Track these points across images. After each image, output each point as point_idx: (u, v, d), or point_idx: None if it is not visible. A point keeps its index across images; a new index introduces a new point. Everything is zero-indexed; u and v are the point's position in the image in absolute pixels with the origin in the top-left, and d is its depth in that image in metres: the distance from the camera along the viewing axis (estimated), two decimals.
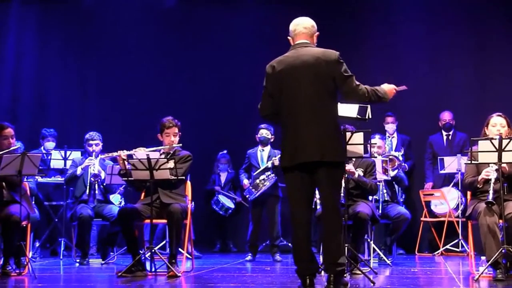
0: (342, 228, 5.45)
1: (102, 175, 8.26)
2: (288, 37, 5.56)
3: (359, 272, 6.42)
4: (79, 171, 8.31)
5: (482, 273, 6.25)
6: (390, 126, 10.19)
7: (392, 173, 8.52)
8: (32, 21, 11.31)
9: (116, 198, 9.02)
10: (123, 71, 11.11)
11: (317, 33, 5.54)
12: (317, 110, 5.27)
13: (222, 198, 10.32)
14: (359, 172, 7.28)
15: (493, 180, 6.31)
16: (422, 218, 9.82)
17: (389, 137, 10.11)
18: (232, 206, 10.33)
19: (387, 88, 5.52)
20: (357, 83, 5.33)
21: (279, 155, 8.75)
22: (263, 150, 9.05)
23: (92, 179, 8.23)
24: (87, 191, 8.30)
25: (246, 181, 9.08)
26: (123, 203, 8.75)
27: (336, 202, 5.35)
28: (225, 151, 10.50)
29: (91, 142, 8.43)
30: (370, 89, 5.37)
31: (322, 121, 5.28)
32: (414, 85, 10.50)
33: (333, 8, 10.61)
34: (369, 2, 10.97)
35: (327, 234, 5.32)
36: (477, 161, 6.38)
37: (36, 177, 8.31)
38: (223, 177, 10.52)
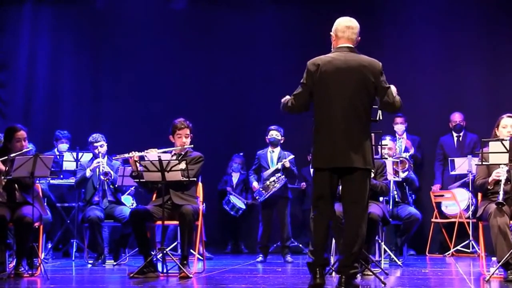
0: (365, 234, 5.46)
1: (112, 174, 8.28)
2: (331, 34, 5.53)
3: (370, 273, 6.41)
4: (88, 173, 8.32)
5: (493, 274, 6.23)
6: (399, 127, 10.16)
7: (402, 175, 8.51)
8: (45, 22, 11.34)
9: (128, 200, 9.04)
10: (136, 73, 11.13)
11: (359, 38, 5.54)
12: (357, 117, 5.34)
13: (233, 199, 10.32)
14: None
15: (503, 181, 6.29)
16: (433, 219, 9.80)
17: (398, 138, 10.09)
18: (243, 207, 10.33)
19: (394, 91, 5.53)
20: (393, 94, 5.42)
21: (290, 157, 8.83)
22: (273, 151, 9.04)
23: (102, 177, 8.25)
24: (97, 192, 8.33)
25: (255, 184, 9.06)
26: (135, 204, 8.75)
27: (367, 208, 5.41)
28: (241, 153, 10.51)
29: (95, 144, 8.43)
30: (399, 98, 5.47)
31: (360, 128, 5.36)
32: (425, 86, 10.53)
33: (346, 9, 10.57)
34: (381, 2, 10.94)
35: (353, 238, 5.34)
36: (488, 162, 6.36)
37: (48, 178, 8.33)
38: (235, 178, 10.52)
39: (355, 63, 5.38)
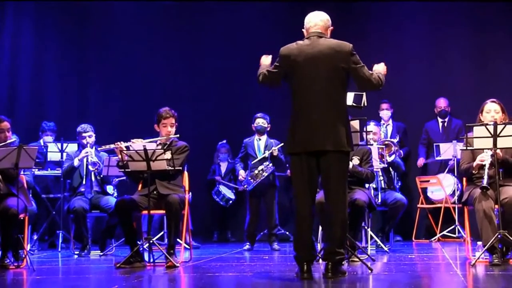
0: (347, 218, 5.50)
1: (100, 164, 8.25)
2: (303, 29, 5.66)
3: (357, 260, 6.42)
4: (76, 162, 8.30)
5: (478, 258, 6.26)
6: (385, 113, 10.19)
7: (389, 159, 8.55)
8: (29, 13, 11.24)
9: (109, 189, 8.99)
10: (121, 64, 11.07)
11: (332, 27, 5.65)
12: (331, 100, 5.43)
13: (223, 189, 10.30)
14: (354, 161, 7.25)
15: (487, 166, 6.32)
16: (419, 205, 9.85)
17: (384, 124, 10.11)
18: (233, 197, 10.30)
19: (381, 68, 5.70)
20: (370, 71, 5.50)
21: (279, 145, 8.83)
22: (259, 139, 9.04)
23: (90, 167, 8.23)
24: (84, 182, 8.31)
25: (242, 172, 9.06)
26: (115, 194, 8.73)
27: (344, 191, 5.45)
28: (224, 141, 10.49)
29: (84, 134, 8.41)
30: (379, 75, 5.55)
31: (334, 111, 5.43)
32: (411, 72, 10.57)
33: (336, 3, 10.62)
34: None
35: (333, 224, 5.42)
36: (473, 147, 6.38)
37: (33, 170, 8.29)
38: (224, 167, 10.50)
39: (324, 47, 5.47)
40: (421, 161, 10.18)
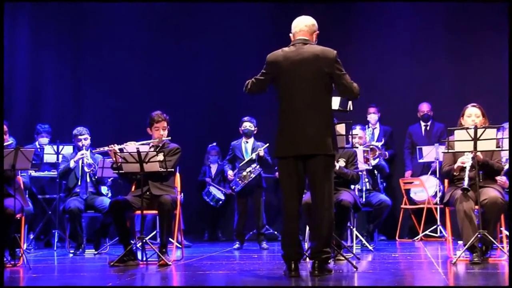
0: (333, 218, 5.53)
1: (95, 166, 8.25)
2: (290, 34, 5.68)
3: (343, 258, 6.45)
4: (72, 164, 8.31)
5: (459, 256, 6.30)
6: (373, 117, 10.24)
7: (373, 162, 8.58)
8: (24, 16, 11.18)
9: (103, 190, 8.99)
10: (116, 67, 11.04)
11: (317, 31, 5.68)
12: (315, 105, 5.46)
13: (213, 190, 10.31)
14: (340, 163, 7.29)
15: (468, 168, 6.36)
16: (402, 206, 9.87)
17: (370, 127, 10.15)
18: (223, 197, 10.31)
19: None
20: (351, 81, 5.52)
21: (264, 146, 8.86)
22: (247, 142, 9.06)
23: (86, 169, 8.25)
24: (79, 183, 8.32)
25: (230, 172, 9.10)
26: (109, 194, 8.74)
27: (330, 192, 5.49)
28: (214, 143, 10.49)
29: (79, 137, 8.42)
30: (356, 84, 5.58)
31: (319, 115, 5.46)
32: (396, 78, 10.60)
33: (327, 6, 10.63)
34: (359, 2, 11.00)
35: (320, 223, 5.45)
36: (454, 150, 6.43)
37: (30, 171, 8.28)
38: (214, 168, 10.50)
39: (308, 53, 5.49)
40: (408, 174, 10.20)
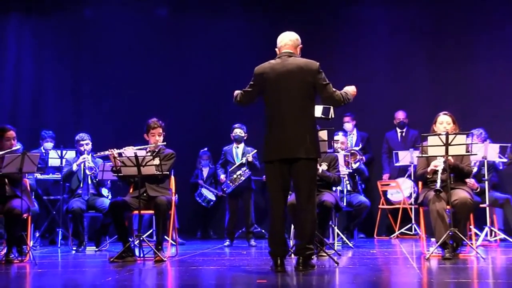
0: (316, 217, 5.57)
1: (96, 169, 8.26)
2: (276, 48, 5.73)
3: (325, 254, 6.47)
4: (74, 167, 8.33)
5: (432, 252, 6.36)
6: (347, 125, 10.28)
7: (354, 166, 8.62)
8: (29, 28, 11.17)
9: (104, 191, 8.99)
10: (115, 76, 11.01)
11: (301, 45, 5.73)
12: (300, 113, 5.49)
13: (205, 191, 10.31)
14: (323, 167, 7.33)
15: (440, 171, 6.42)
16: (380, 206, 9.92)
17: (349, 134, 10.19)
18: (214, 198, 10.32)
19: (351, 89, 5.75)
20: (334, 89, 5.56)
21: (253, 152, 8.89)
22: (237, 147, 9.09)
23: (87, 171, 8.26)
24: (81, 185, 8.32)
25: (223, 176, 9.14)
26: (110, 196, 8.74)
27: (313, 193, 5.50)
28: (206, 148, 10.49)
29: (81, 142, 8.43)
30: (343, 93, 5.61)
31: (303, 122, 5.49)
32: (373, 87, 10.62)
33: (310, 18, 10.63)
34: (339, 14, 10.99)
35: (303, 222, 5.48)
36: (427, 154, 6.48)
37: (36, 174, 8.28)
38: (205, 171, 10.50)
39: (293, 66, 5.53)
40: (385, 177, 10.25)
